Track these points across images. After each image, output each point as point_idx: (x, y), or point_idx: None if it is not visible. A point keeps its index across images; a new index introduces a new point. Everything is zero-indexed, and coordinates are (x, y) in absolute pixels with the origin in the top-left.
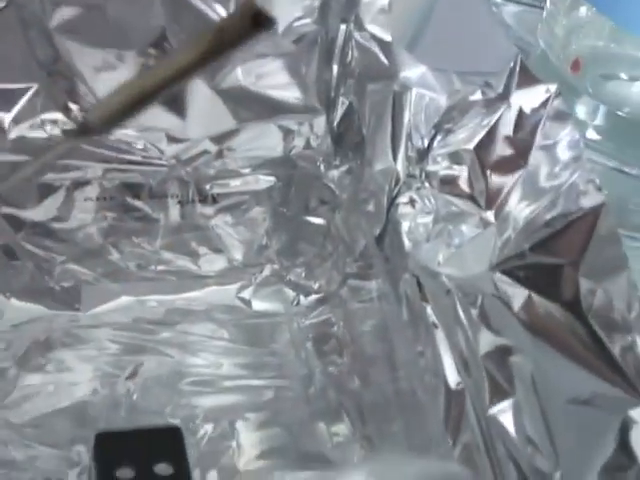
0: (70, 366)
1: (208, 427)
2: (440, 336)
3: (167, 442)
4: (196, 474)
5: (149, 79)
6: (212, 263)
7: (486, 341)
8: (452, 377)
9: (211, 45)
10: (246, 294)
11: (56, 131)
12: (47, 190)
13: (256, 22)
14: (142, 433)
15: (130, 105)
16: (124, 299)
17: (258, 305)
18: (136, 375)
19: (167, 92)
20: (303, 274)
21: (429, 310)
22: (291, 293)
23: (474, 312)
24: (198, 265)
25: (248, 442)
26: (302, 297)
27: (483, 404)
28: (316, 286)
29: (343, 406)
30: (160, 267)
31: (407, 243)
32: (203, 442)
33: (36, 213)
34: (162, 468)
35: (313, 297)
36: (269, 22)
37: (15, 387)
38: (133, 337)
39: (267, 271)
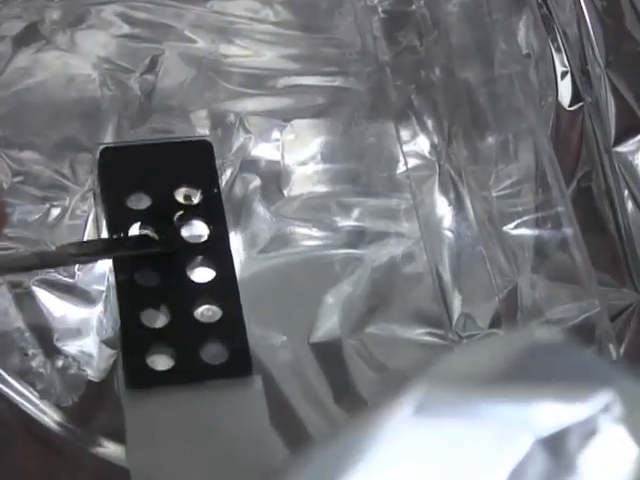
0: (72, 53)
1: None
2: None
3: (193, 159)
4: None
5: None
6: None
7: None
8: (566, 90)
9: None
10: None
11: None
12: None
13: None
14: (161, 147)
15: None
16: None
17: None
18: (155, 68)
19: None
20: None
21: None
22: None
23: None
24: None
25: (297, 159)
26: None
27: (606, 135)
28: None
29: (416, 109)
30: None
31: None
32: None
33: None
34: (183, 193)
35: None
36: None
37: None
38: (152, 16)
39: None
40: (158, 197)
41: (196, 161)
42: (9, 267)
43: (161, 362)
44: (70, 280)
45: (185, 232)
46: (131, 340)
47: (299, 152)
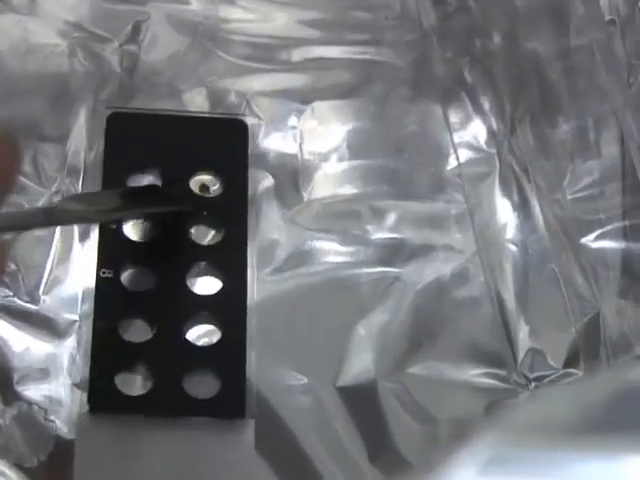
0: (33, 17)
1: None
2: None
3: (221, 142)
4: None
5: None
6: None
7: None
8: None
9: None
10: None
11: None
12: None
13: None
14: (183, 121)
15: None
16: None
17: None
18: (138, 36)
19: None
20: None
21: None
22: None
23: None
24: None
25: (319, 152)
26: None
27: None
28: None
29: (469, 88)
30: None
31: None
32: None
33: None
34: (201, 181)
35: None
36: None
37: None
38: None
39: None
40: (169, 182)
41: (224, 144)
42: (8, 225)
43: (133, 385)
44: (33, 306)
45: (192, 230)
46: (100, 352)
47: (321, 143)
